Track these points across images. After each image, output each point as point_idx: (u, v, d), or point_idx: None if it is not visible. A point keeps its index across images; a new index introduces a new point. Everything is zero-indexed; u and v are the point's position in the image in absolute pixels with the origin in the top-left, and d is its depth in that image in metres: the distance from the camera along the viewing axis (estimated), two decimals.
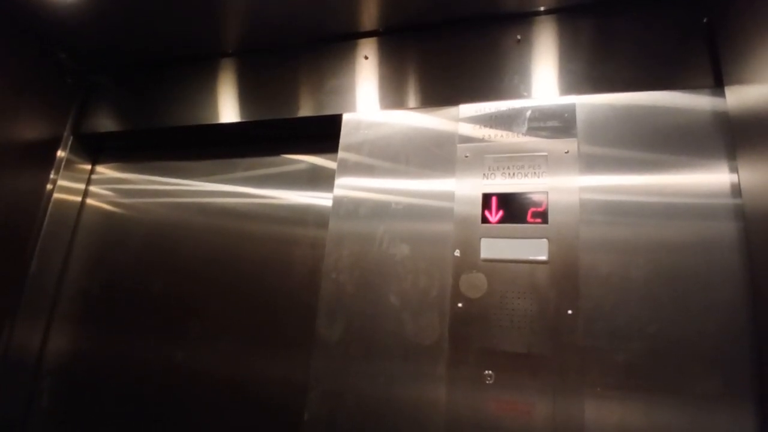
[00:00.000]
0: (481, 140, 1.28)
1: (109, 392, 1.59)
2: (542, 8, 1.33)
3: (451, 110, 1.34)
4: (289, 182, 1.61)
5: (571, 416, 1.01)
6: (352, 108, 1.45)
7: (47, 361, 1.69)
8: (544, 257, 1.12)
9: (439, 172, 1.29)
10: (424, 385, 1.13)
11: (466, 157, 1.27)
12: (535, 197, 1.17)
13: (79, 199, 1.83)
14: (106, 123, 1.78)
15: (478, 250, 1.18)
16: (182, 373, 1.52)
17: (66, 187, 1.77)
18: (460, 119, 1.32)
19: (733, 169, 1.06)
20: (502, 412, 1.06)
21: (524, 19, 1.35)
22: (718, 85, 1.13)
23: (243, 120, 1.58)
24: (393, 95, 1.42)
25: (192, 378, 1.50)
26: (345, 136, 1.41)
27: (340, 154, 1.40)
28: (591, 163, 1.17)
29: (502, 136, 1.26)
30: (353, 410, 1.17)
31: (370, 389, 1.17)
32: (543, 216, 1.15)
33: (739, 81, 1.05)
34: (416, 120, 1.36)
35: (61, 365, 1.68)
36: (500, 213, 1.19)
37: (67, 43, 1.69)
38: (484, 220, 1.20)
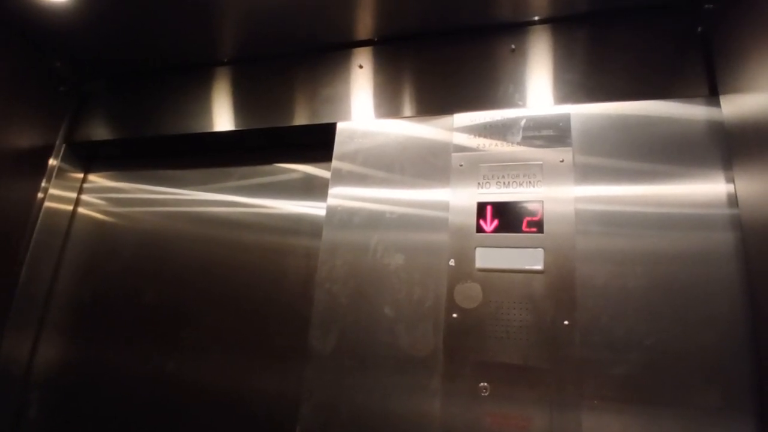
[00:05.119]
0: (476, 149, 1.27)
1: (99, 403, 1.56)
2: (536, 18, 1.33)
3: (446, 119, 1.33)
4: (283, 191, 1.60)
5: (568, 429, 1.00)
6: (346, 117, 1.44)
7: (36, 371, 1.65)
8: (539, 267, 1.11)
9: (434, 181, 1.28)
10: (418, 398, 1.11)
11: (461, 166, 1.27)
12: (531, 206, 1.16)
13: (70, 207, 1.80)
14: (98, 131, 1.77)
15: (473, 260, 1.16)
16: (173, 384, 1.49)
17: (57, 195, 1.75)
18: (455, 128, 1.31)
19: (730, 179, 1.05)
20: (498, 425, 1.04)
21: (518, 29, 1.35)
22: (713, 94, 1.13)
23: (237, 128, 1.57)
24: (388, 104, 1.42)
25: (183, 389, 1.48)
26: (339, 145, 1.40)
27: (334, 163, 1.39)
28: (586, 173, 1.16)
29: (496, 145, 1.26)
30: (346, 423, 1.14)
31: (363, 402, 1.15)
32: (538, 225, 1.14)
33: (734, 90, 1.05)
34: (411, 129, 1.36)
35: (50, 376, 1.64)
36: (495, 222, 1.18)
37: (61, 51, 1.68)
38: (479, 229, 1.18)
